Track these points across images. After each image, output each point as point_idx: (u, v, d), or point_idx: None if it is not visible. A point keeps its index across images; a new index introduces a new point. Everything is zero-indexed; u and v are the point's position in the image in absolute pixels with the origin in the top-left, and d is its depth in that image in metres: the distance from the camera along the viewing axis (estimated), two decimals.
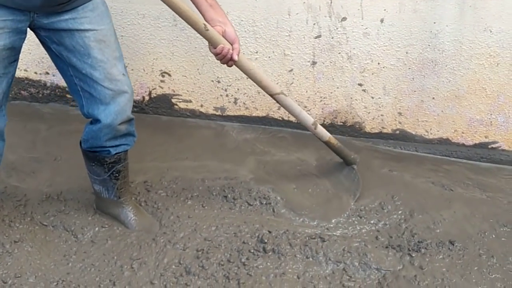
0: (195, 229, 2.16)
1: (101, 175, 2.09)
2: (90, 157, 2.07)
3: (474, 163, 2.73)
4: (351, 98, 2.73)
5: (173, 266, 1.99)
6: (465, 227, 2.26)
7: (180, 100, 2.87)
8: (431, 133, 2.75)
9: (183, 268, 1.98)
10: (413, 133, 2.76)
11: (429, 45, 2.54)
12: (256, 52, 2.68)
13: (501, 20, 2.43)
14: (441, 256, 2.10)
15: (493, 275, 2.03)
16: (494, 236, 2.23)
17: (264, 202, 2.32)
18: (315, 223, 2.24)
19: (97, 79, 1.84)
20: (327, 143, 2.37)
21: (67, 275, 1.92)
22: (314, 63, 2.67)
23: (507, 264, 2.08)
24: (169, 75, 2.81)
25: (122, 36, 2.71)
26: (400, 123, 2.75)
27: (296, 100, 2.76)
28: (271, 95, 2.19)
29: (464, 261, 2.08)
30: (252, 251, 2.06)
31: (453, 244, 2.15)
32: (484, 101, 2.62)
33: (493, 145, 2.72)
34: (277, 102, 2.21)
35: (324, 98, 2.75)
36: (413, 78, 2.63)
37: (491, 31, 2.46)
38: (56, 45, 1.83)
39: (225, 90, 2.81)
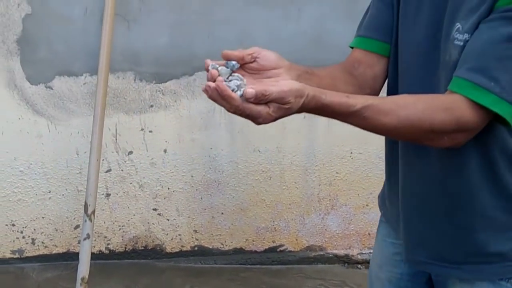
0: None
1: None
2: None
3: (267, 267, 3.02)
4: (148, 222, 2.90)
5: None
6: None
7: None
8: (226, 245, 3.00)
9: None
10: (210, 247, 2.99)
11: (210, 167, 2.85)
12: (49, 192, 2.75)
13: (265, 141, 2.85)
14: None
15: None
16: None
17: None
18: None
19: None
20: None
21: None
22: (108, 195, 2.82)
23: None
24: None
25: None
26: (197, 239, 2.97)
27: (95, 232, 2.85)
28: None
29: None
30: None
31: None
32: (266, 210, 2.97)
33: (281, 248, 3.05)
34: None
35: (122, 226, 2.88)
36: (201, 198, 2.90)
37: (259, 151, 2.86)
38: None
39: (21, 232, 2.80)
